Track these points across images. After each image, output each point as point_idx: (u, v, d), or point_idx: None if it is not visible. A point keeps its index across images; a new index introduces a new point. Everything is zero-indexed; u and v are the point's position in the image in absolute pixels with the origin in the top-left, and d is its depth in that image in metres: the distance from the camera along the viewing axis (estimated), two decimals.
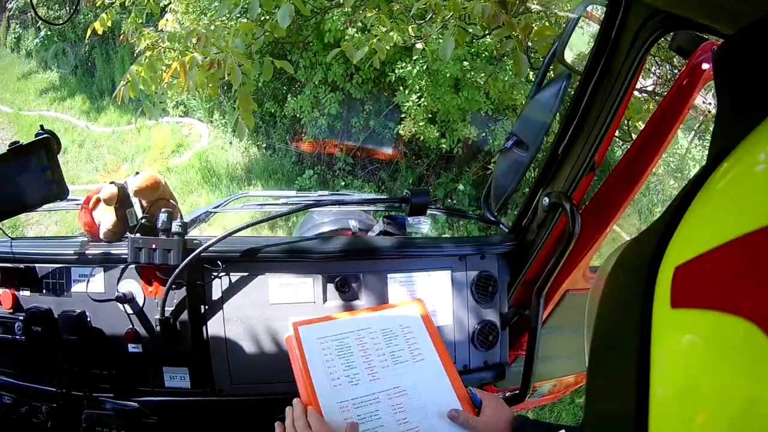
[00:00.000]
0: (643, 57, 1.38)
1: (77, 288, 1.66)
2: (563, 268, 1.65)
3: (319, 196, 1.98)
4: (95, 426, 1.65)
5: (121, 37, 4.74)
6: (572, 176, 1.62)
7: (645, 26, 1.30)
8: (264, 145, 7.47)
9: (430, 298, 1.74)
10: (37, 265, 1.68)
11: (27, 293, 1.68)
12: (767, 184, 0.41)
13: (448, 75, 5.78)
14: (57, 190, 1.47)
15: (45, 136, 1.40)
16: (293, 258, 1.70)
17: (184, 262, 1.54)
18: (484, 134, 6.23)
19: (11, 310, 1.66)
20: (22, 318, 1.61)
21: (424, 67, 5.78)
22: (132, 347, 1.65)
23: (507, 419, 1.36)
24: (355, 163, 7.02)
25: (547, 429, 1.33)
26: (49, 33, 10.24)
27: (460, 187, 6.54)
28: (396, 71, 5.91)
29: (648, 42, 1.33)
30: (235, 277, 1.67)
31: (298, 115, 6.73)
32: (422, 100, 5.97)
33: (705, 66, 1.48)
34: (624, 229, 5.73)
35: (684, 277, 0.42)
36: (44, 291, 1.68)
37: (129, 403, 1.66)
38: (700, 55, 1.48)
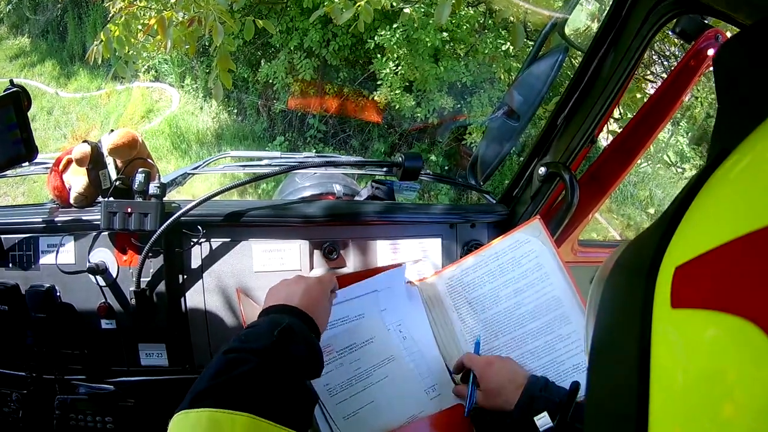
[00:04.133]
0: (653, 36, 1.37)
1: (46, 260, 1.56)
2: (555, 240, 1.60)
3: (305, 157, 1.89)
4: (69, 412, 1.58)
5: None
6: (572, 148, 1.59)
7: (658, 6, 1.29)
8: (235, 110, 7.36)
9: (418, 265, 1.70)
10: (2, 236, 1.57)
11: None
12: (767, 184, 0.40)
13: (428, 44, 5.76)
14: (26, 150, 1.35)
15: (14, 90, 1.29)
16: (279, 222, 1.63)
17: (162, 227, 1.45)
18: (459, 106, 6.23)
19: None
20: None
21: (404, 36, 5.75)
22: (105, 323, 1.57)
23: (517, 374, 1.31)
24: (327, 130, 6.98)
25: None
26: None
27: (433, 157, 6.57)
28: (375, 38, 5.87)
29: (659, 22, 1.32)
30: (216, 243, 1.60)
31: (271, 81, 6.65)
32: (400, 68, 5.96)
33: (709, 52, 1.49)
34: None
35: (684, 277, 0.41)
36: (11, 265, 1.57)
37: (103, 385, 1.59)
38: (703, 41, 1.48)
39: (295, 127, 7.01)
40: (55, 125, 7.41)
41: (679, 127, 7.76)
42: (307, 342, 1.05)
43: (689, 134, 7.75)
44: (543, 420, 1.14)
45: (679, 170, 7.40)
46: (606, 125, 4.97)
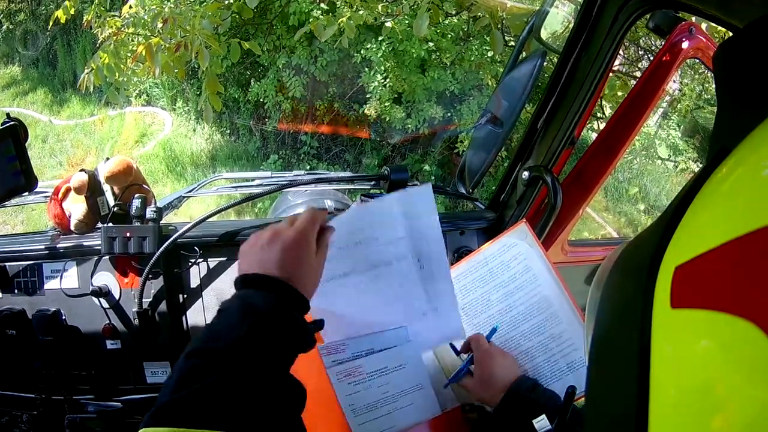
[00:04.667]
0: (624, 34, 1.40)
1: (50, 285, 1.60)
2: (543, 242, 1.65)
3: (294, 175, 1.93)
4: (78, 430, 1.61)
5: (85, 23, 4.66)
6: (552, 150, 1.63)
7: (627, 5, 1.32)
8: (228, 131, 7.39)
9: None
10: (6, 264, 1.61)
11: None
12: (767, 184, 0.40)
13: (414, 55, 5.78)
14: (25, 181, 1.37)
15: (12, 123, 1.32)
16: None
17: (161, 249, 1.50)
18: (449, 114, 6.25)
19: None
20: None
21: (390, 48, 5.78)
22: (110, 344, 1.61)
23: (513, 374, 1.29)
24: (320, 146, 7.00)
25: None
26: (11, 26, 10.01)
27: (426, 167, 6.56)
28: (362, 52, 5.89)
29: (629, 20, 1.35)
30: (213, 262, 1.64)
31: (261, 100, 6.66)
32: (388, 80, 5.98)
33: (684, 45, 1.52)
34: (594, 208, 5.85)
35: (684, 277, 0.41)
36: (16, 291, 1.61)
37: (111, 403, 1.62)
38: (677, 34, 1.52)
39: (288, 144, 7.02)
40: (50, 153, 7.42)
41: (671, 121, 7.82)
42: (288, 324, 0.89)
43: (681, 127, 7.80)
44: (542, 423, 1.12)
45: (671, 164, 7.43)
46: (590, 124, 5.02)
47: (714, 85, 0.62)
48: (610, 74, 1.87)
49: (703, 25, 1.71)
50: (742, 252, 0.38)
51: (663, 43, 1.57)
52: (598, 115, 4.09)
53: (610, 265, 0.54)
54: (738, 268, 0.38)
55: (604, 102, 3.96)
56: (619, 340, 0.48)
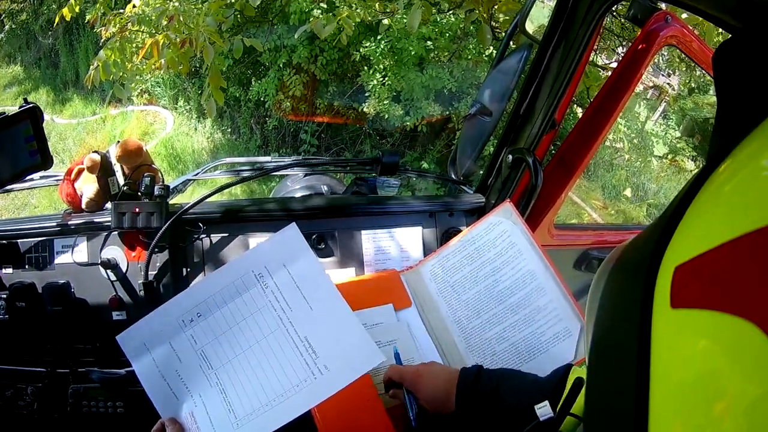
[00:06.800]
0: (599, 23, 1.49)
1: (60, 259, 1.67)
2: (528, 223, 1.70)
3: (293, 160, 2.03)
4: (82, 400, 1.66)
5: (89, 22, 4.73)
6: (534, 134, 1.72)
7: None
8: (229, 129, 7.45)
9: (402, 252, 1.82)
10: (19, 240, 1.68)
11: (9, 271, 1.68)
12: (767, 184, 0.41)
13: (412, 53, 5.83)
14: (42, 160, 1.48)
15: (31, 106, 1.41)
16: (271, 217, 1.75)
17: (167, 223, 1.58)
18: (447, 112, 6.32)
19: None
20: (5, 296, 1.60)
21: (389, 46, 5.83)
22: (116, 315, 1.67)
23: (450, 375, 1.23)
24: (320, 144, 7.06)
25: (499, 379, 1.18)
26: (14, 26, 10.06)
27: (425, 164, 6.62)
28: (360, 50, 5.94)
29: (603, 8, 1.44)
30: (215, 237, 1.72)
31: (262, 98, 6.72)
32: (386, 79, 6.03)
33: (660, 33, 1.60)
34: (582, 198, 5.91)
35: (684, 277, 0.41)
36: (27, 266, 1.68)
37: (115, 370, 1.66)
38: (653, 22, 1.59)
39: (288, 143, 7.09)
40: (53, 151, 7.35)
41: (670, 120, 7.90)
42: None
43: (680, 126, 7.89)
44: (544, 410, 1.04)
45: (666, 161, 7.49)
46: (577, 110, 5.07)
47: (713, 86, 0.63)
48: (599, 69, 1.94)
49: (684, 16, 1.78)
50: (742, 252, 0.38)
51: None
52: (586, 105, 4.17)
53: (610, 265, 0.55)
54: (738, 268, 0.38)
55: (593, 92, 4.04)
56: (619, 340, 0.48)
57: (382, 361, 1.14)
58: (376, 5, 3.56)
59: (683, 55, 1.77)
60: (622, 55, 5.35)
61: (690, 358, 0.39)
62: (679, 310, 0.40)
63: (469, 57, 5.99)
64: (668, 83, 7.51)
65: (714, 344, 0.38)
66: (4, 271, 1.68)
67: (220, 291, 1.22)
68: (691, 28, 1.68)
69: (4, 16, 10.33)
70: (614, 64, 5.27)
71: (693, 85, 6.92)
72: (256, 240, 1.73)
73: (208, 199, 1.71)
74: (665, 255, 0.44)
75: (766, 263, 0.36)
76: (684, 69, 6.73)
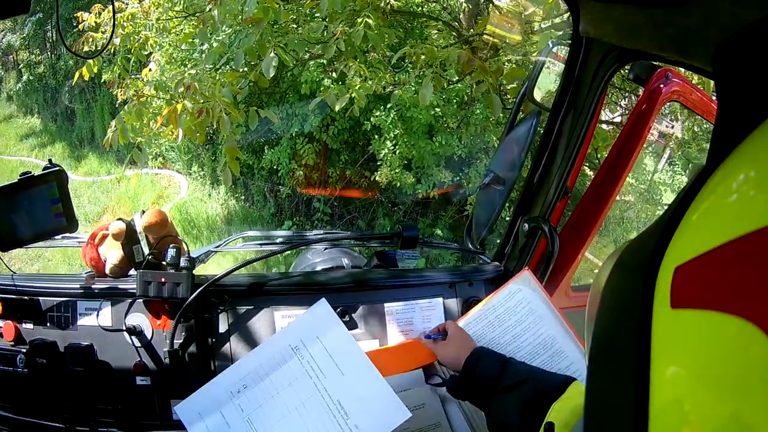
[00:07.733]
0: (605, 88, 1.54)
1: (84, 321, 1.67)
2: (546, 287, 1.74)
3: (314, 234, 2.07)
4: None
5: (107, 83, 4.88)
6: (548, 201, 1.75)
7: (604, 61, 1.47)
8: (243, 196, 7.53)
9: (425, 322, 1.83)
10: (40, 298, 1.68)
11: (30, 326, 1.68)
12: (767, 184, 0.41)
13: (422, 121, 5.91)
14: (67, 223, 1.51)
15: (57, 168, 1.45)
16: (296, 291, 1.77)
17: (194, 295, 1.60)
18: (458, 178, 6.36)
19: (13, 343, 1.65)
20: (24, 351, 1.60)
21: (399, 115, 5.91)
22: (140, 380, 1.66)
23: (469, 348, 1.46)
24: (333, 213, 7.12)
25: (504, 363, 1.38)
26: (31, 78, 10.31)
27: (438, 231, 6.64)
28: (371, 120, 6.03)
29: (608, 74, 1.49)
30: (241, 310, 1.73)
31: (275, 167, 6.81)
32: (397, 147, 6.10)
33: (662, 90, 1.66)
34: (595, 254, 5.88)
35: (684, 277, 0.41)
36: (48, 324, 1.68)
37: None
38: (655, 80, 1.66)
39: (302, 211, 7.16)
40: None
41: (677, 166, 7.96)
42: None
43: (686, 171, 7.92)
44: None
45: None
46: (588, 172, 5.09)
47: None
48: (605, 126, 1.98)
49: (682, 71, 1.83)
50: (741, 252, 0.38)
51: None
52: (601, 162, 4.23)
53: (610, 266, 0.54)
54: (737, 268, 0.38)
55: (601, 152, 4.08)
56: (619, 340, 0.48)
57: (407, 417, 1.37)
58: (387, 77, 3.65)
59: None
60: (624, 106, 5.49)
61: (690, 359, 0.39)
62: (679, 311, 0.41)
63: (477, 123, 6.07)
64: (671, 132, 7.60)
65: (714, 345, 0.38)
66: (24, 326, 1.68)
67: (262, 364, 1.47)
68: (689, 80, 1.73)
69: (22, 66, 10.62)
70: (618, 118, 5.39)
71: (696, 129, 7.02)
72: (281, 313, 1.74)
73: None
74: (665, 255, 0.44)
75: (766, 263, 0.36)
76: (686, 116, 6.83)
